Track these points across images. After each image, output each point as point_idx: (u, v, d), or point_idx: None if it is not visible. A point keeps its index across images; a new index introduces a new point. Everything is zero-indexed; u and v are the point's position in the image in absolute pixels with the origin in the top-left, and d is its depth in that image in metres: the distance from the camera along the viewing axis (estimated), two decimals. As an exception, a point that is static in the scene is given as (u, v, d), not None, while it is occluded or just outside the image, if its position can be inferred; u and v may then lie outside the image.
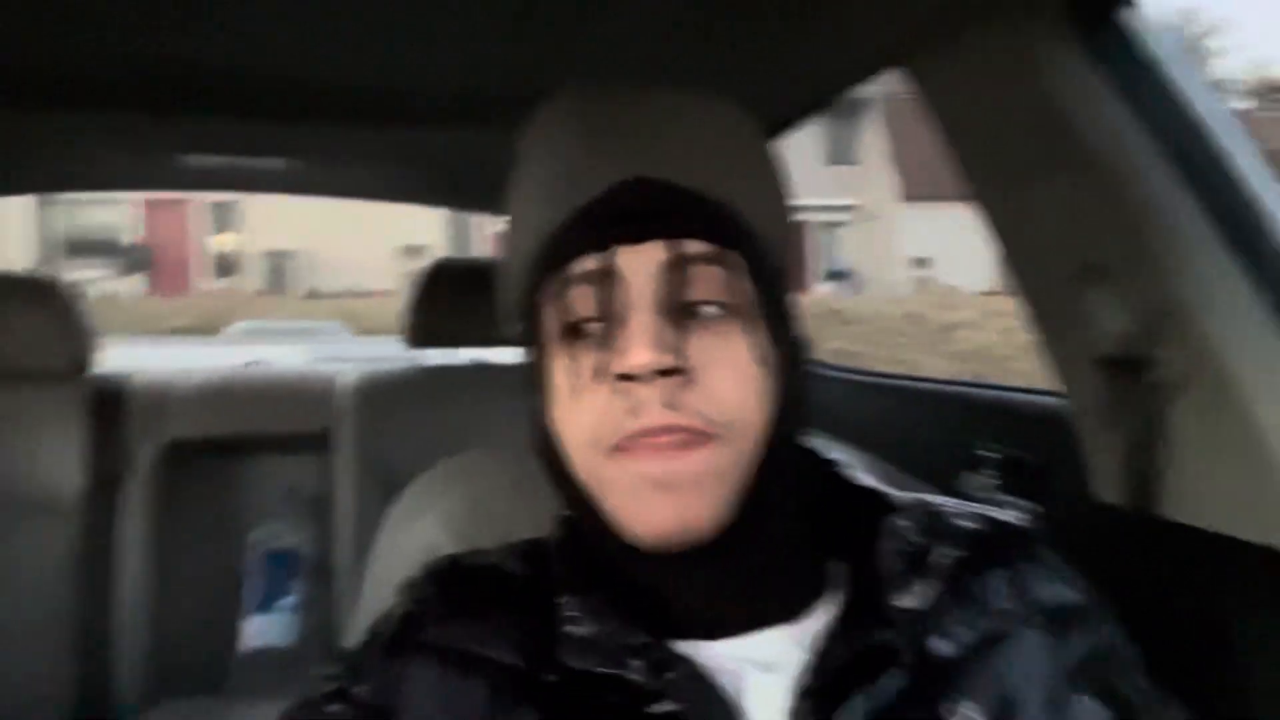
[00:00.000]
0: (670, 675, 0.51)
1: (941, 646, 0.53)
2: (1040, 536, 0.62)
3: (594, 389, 0.54)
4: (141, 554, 1.50)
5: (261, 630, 1.49)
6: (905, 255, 17.03)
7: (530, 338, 0.60)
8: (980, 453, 1.04)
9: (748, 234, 0.59)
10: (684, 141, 0.71)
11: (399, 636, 0.58)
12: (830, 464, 0.63)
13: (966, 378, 1.28)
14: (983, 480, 1.04)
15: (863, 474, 0.62)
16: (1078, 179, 0.74)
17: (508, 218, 0.74)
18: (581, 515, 0.58)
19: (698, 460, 0.52)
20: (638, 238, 0.55)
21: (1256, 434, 0.66)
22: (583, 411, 0.54)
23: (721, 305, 0.55)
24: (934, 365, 8.21)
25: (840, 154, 17.70)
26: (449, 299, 1.65)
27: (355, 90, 1.19)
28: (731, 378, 0.54)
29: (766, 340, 0.56)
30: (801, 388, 0.58)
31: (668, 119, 0.72)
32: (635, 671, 0.51)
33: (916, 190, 17.11)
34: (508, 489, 0.76)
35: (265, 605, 1.50)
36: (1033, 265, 0.82)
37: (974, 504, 0.64)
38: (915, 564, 0.55)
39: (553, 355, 0.57)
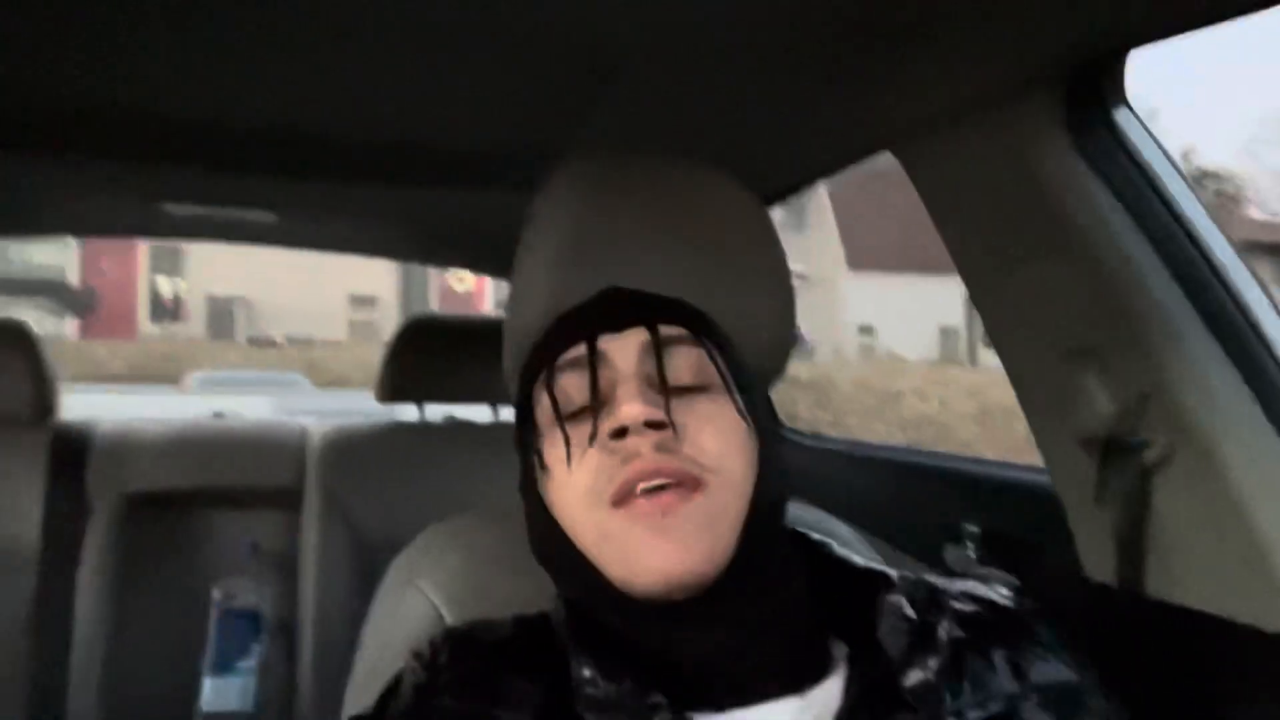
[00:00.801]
0: None
1: None
2: (1035, 615, 0.63)
3: (588, 454, 0.58)
4: (99, 609, 1.44)
5: (220, 693, 1.43)
6: (852, 322, 17.40)
7: (525, 427, 0.65)
8: (963, 526, 1.07)
9: (713, 324, 0.65)
10: (689, 216, 0.74)
11: (414, 707, 0.57)
12: (823, 545, 0.66)
13: (940, 450, 1.30)
14: (964, 554, 1.06)
15: (856, 554, 0.64)
16: (1065, 265, 0.78)
17: (517, 278, 0.75)
18: (583, 584, 0.60)
19: (692, 506, 0.55)
20: (619, 328, 0.62)
21: (1239, 512, 0.69)
22: (580, 476, 0.58)
23: (700, 385, 0.61)
24: (883, 431, 8.33)
25: (790, 222, 18.11)
26: (422, 355, 1.64)
27: (355, 146, 1.20)
28: (715, 432, 0.59)
29: (744, 405, 0.61)
30: (778, 449, 0.63)
31: (673, 191, 0.75)
32: None
33: (861, 259, 17.55)
34: (499, 554, 0.76)
35: (225, 666, 1.45)
36: (1020, 346, 0.85)
37: (966, 583, 0.65)
38: (920, 640, 0.57)
39: (547, 437, 0.62)
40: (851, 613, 0.60)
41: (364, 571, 1.50)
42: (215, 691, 1.43)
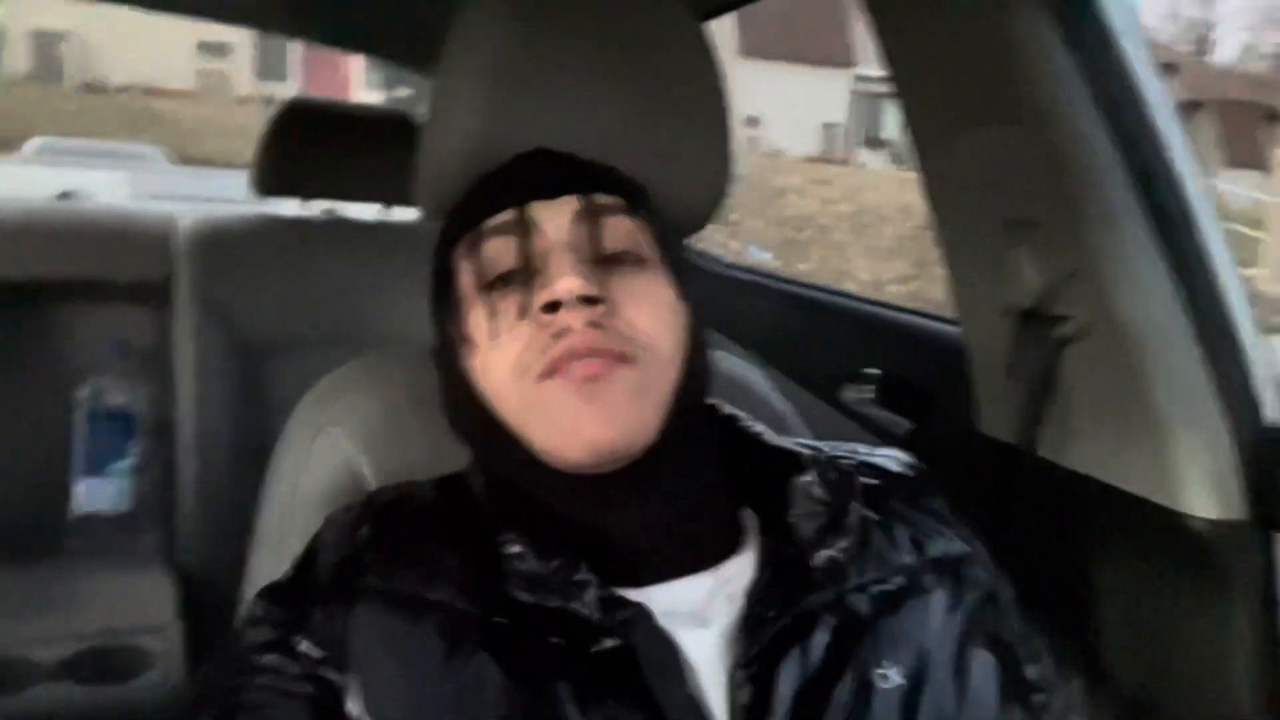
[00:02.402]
0: (623, 615, 0.52)
1: (860, 604, 0.56)
2: (928, 483, 0.67)
3: (517, 326, 0.56)
4: None
5: (92, 494, 1.38)
6: (739, 113, 17.13)
7: (443, 294, 0.62)
8: (865, 370, 1.10)
9: (645, 195, 0.63)
10: (621, 42, 0.68)
11: (337, 582, 0.56)
12: (735, 418, 0.67)
13: (845, 289, 1.32)
14: (863, 394, 1.10)
15: (769, 432, 0.65)
16: (1017, 134, 0.76)
17: (436, 97, 0.69)
18: (506, 457, 0.59)
19: (621, 373, 0.55)
20: (550, 194, 0.59)
21: (1140, 393, 0.73)
22: (507, 347, 0.56)
23: (634, 256, 0.59)
24: (759, 229, 8.45)
25: (684, -1, 17.24)
26: (304, 145, 1.51)
27: None
28: (649, 309, 0.58)
29: (675, 285, 0.60)
30: (703, 330, 0.63)
31: (605, 11, 0.69)
32: (586, 606, 0.52)
33: (753, 47, 17.06)
34: (415, 396, 0.73)
35: (96, 467, 1.39)
36: (957, 210, 0.84)
37: (862, 449, 0.68)
38: (832, 523, 0.58)
39: (470, 307, 0.59)
40: (762, 487, 0.61)
41: (245, 372, 1.44)
42: (89, 492, 1.38)
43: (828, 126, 19.08)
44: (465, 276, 0.60)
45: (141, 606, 1.19)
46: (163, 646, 1.13)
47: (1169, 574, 0.72)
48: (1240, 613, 0.68)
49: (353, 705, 0.52)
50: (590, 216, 0.58)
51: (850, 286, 6.68)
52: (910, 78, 0.84)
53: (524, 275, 0.57)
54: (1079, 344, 0.78)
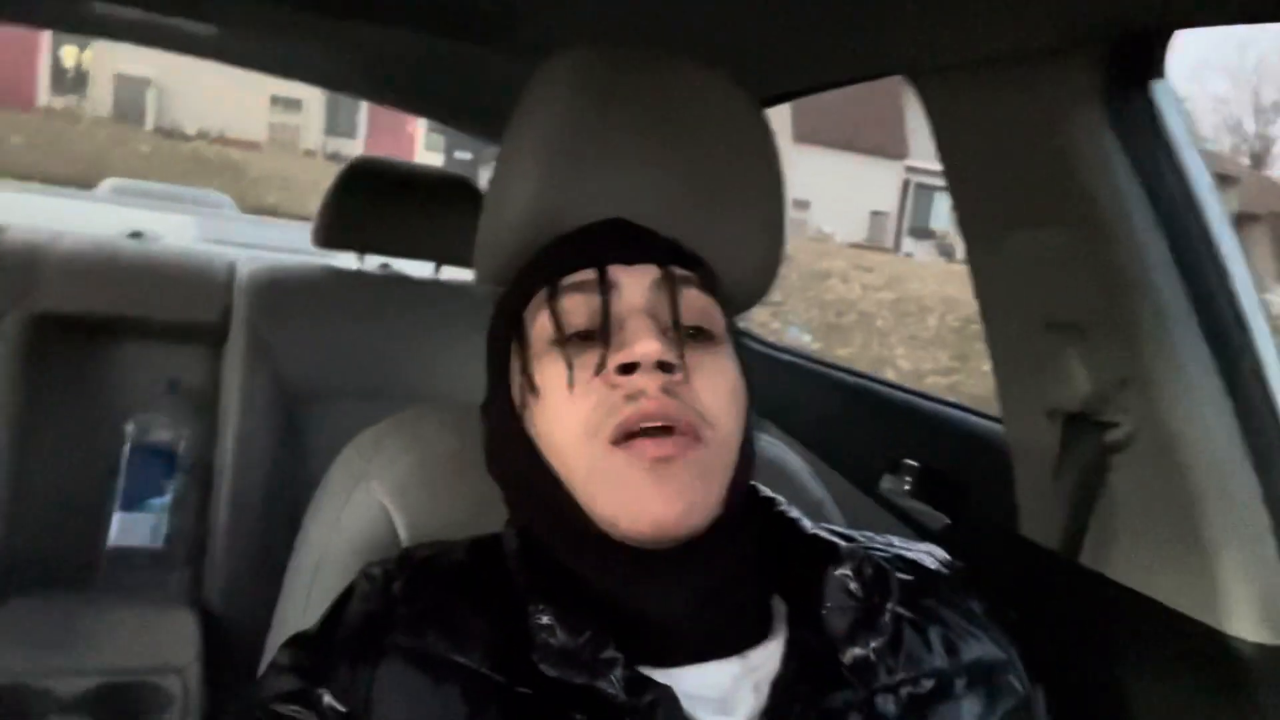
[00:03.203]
0: (648, 698, 0.52)
1: (888, 705, 0.55)
2: (966, 583, 0.65)
3: (591, 384, 0.56)
4: (3, 434, 1.37)
5: (128, 528, 1.39)
6: (788, 195, 17.31)
7: (507, 346, 0.62)
8: (903, 460, 1.08)
9: (715, 274, 0.64)
10: (684, 120, 0.70)
11: (366, 637, 0.55)
12: (773, 501, 0.66)
13: (890, 379, 1.31)
14: (900, 485, 1.08)
15: (806, 519, 0.65)
16: (1069, 234, 0.76)
17: (502, 164, 0.71)
18: (555, 519, 0.58)
19: (692, 456, 0.54)
20: (630, 259, 0.59)
21: (1188, 506, 0.71)
22: (579, 405, 0.56)
23: (706, 331, 0.59)
24: (800, 310, 8.46)
25: (742, 82, 17.62)
26: (365, 201, 1.56)
27: None
28: (720, 388, 0.58)
29: (736, 363, 0.61)
30: (754, 412, 0.63)
31: (669, 92, 0.71)
32: (612, 685, 0.52)
33: (808, 133, 17.33)
34: (454, 453, 0.74)
35: (135, 502, 1.41)
36: (1006, 308, 0.84)
37: (896, 543, 0.67)
38: (865, 620, 0.57)
39: (542, 359, 0.59)
40: (795, 575, 0.60)
41: (287, 418, 1.46)
42: (124, 527, 1.39)
43: (875, 214, 19.19)
44: (539, 330, 0.60)
45: (164, 645, 1.19)
46: (181, 687, 1.13)
47: (1209, 697, 0.69)
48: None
49: None
50: (669, 286, 0.58)
51: (890, 374, 6.63)
52: (964, 172, 0.85)
53: (602, 335, 0.57)
54: (1126, 452, 0.76)
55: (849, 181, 17.84)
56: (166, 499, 1.43)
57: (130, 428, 1.43)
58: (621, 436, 0.54)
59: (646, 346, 0.54)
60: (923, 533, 1.04)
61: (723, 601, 0.58)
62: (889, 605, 0.58)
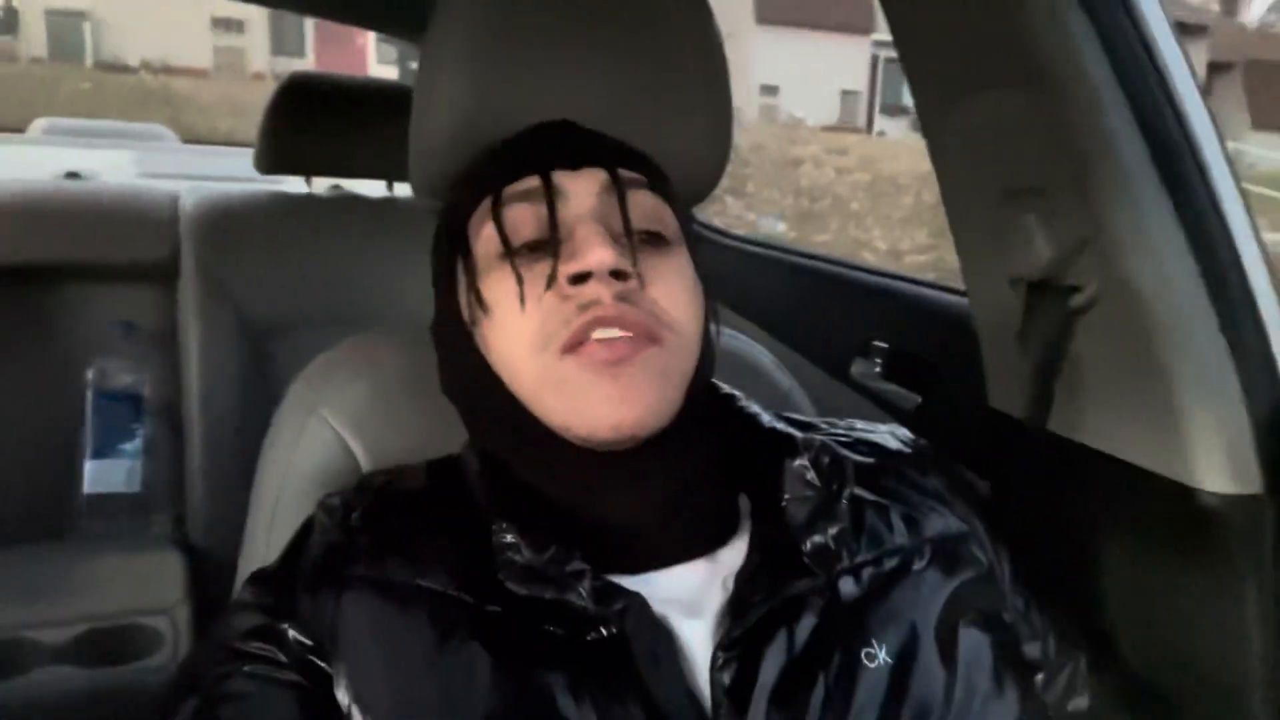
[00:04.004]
0: (617, 605, 0.51)
1: (849, 587, 0.55)
2: (927, 460, 0.66)
3: (543, 299, 0.54)
4: None
5: (102, 475, 1.39)
6: (755, 82, 16.95)
7: (453, 262, 0.60)
8: (872, 342, 1.07)
9: (664, 172, 0.62)
10: (622, 5, 0.66)
11: (327, 569, 0.55)
12: (732, 398, 0.66)
13: (855, 260, 1.29)
14: (871, 369, 1.08)
15: (765, 415, 0.64)
16: (1026, 97, 0.73)
17: (426, 61, 0.67)
18: (512, 431, 0.57)
19: (647, 356, 0.53)
20: (575, 164, 0.57)
21: (1154, 364, 0.70)
22: (531, 320, 0.54)
23: (658, 234, 0.58)
24: (775, 199, 8.37)
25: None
26: (306, 121, 1.49)
27: None
28: (676, 290, 0.56)
29: (691, 263, 0.59)
30: (713, 310, 0.62)
31: None
32: (580, 597, 0.51)
33: (771, 13, 16.82)
34: (407, 378, 0.72)
35: (106, 449, 1.40)
36: (963, 177, 0.82)
37: (860, 426, 0.67)
38: (823, 509, 0.57)
39: (490, 273, 0.57)
40: (757, 470, 0.60)
41: (251, 351, 1.44)
42: (98, 474, 1.39)
43: (846, 94, 18.84)
44: (484, 243, 0.57)
45: (150, 587, 1.20)
46: (170, 627, 1.13)
47: (1181, 550, 0.70)
48: (1254, 588, 0.66)
49: (341, 694, 0.51)
50: (617, 190, 0.56)
51: (868, 256, 6.61)
52: (914, 39, 0.81)
53: (551, 245, 0.55)
54: (1090, 315, 0.75)
55: (817, 62, 17.43)
56: (137, 443, 1.41)
57: (90, 374, 1.41)
58: (573, 345, 0.53)
59: (599, 255, 0.52)
60: (895, 414, 1.04)
61: (688, 504, 0.57)
62: (846, 491, 0.58)
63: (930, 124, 0.82)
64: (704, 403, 0.61)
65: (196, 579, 1.24)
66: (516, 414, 0.56)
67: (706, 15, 0.69)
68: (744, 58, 17.04)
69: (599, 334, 0.52)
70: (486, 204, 0.57)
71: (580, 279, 0.53)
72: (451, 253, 0.60)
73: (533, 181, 0.56)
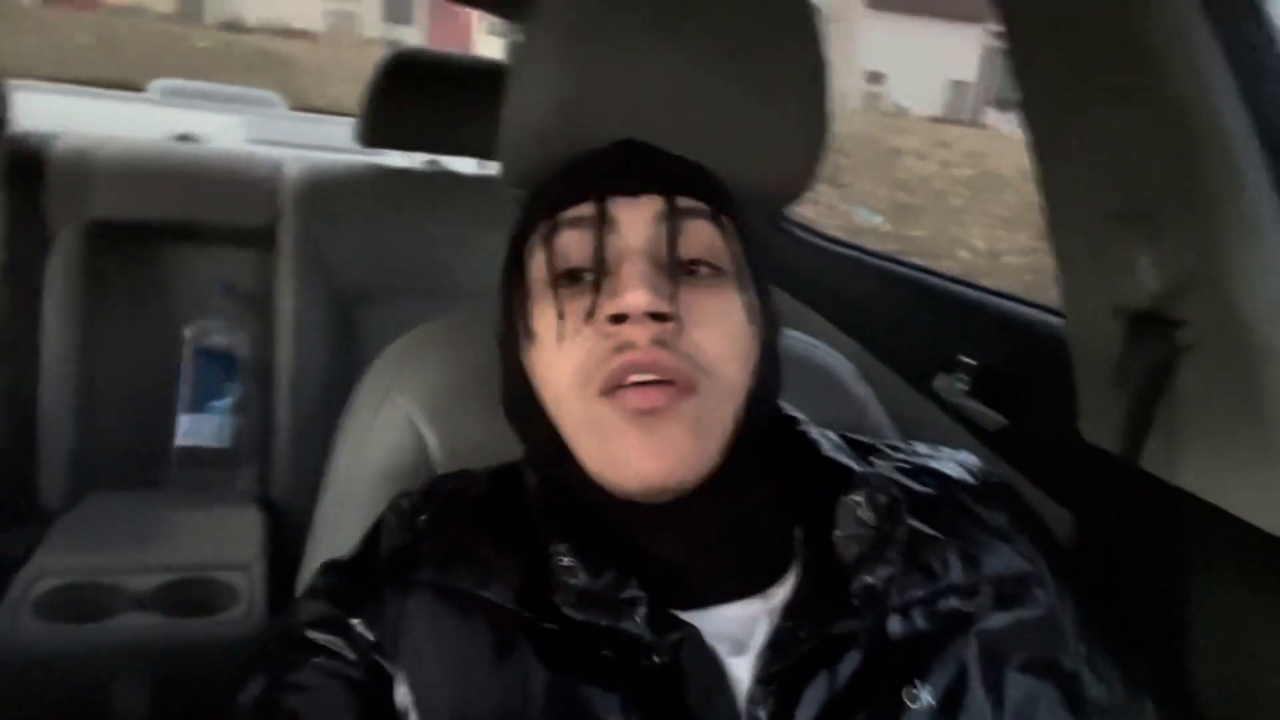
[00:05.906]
0: (673, 636, 0.51)
1: (897, 626, 0.53)
2: (995, 494, 0.63)
3: (582, 332, 0.54)
4: (64, 345, 1.41)
5: (194, 429, 1.45)
6: (861, 68, 16.55)
7: (513, 281, 0.60)
8: (958, 357, 1.04)
9: (732, 199, 0.59)
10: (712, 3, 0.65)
11: (394, 570, 0.55)
12: (794, 421, 0.64)
13: (946, 271, 1.25)
14: (955, 385, 1.04)
15: (826, 441, 0.62)
16: (1144, 116, 0.69)
17: (518, 50, 0.67)
18: (556, 464, 0.57)
19: (681, 407, 0.52)
20: (633, 191, 0.56)
21: (1259, 410, 0.66)
22: (570, 354, 0.54)
23: (712, 266, 0.56)
24: (870, 191, 8.19)
25: (812, -53, 16.69)
26: (409, 98, 1.52)
27: None
28: (720, 332, 0.54)
29: (755, 300, 0.57)
30: (777, 347, 0.60)
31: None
32: (636, 625, 0.51)
33: (882, -1, 16.38)
34: (480, 364, 0.73)
35: (199, 404, 1.46)
36: (1070, 196, 0.78)
37: (926, 452, 0.64)
38: (874, 551, 0.55)
39: (538, 300, 0.57)
40: (814, 501, 0.58)
41: (342, 317, 1.47)
42: (190, 427, 1.45)
43: (955, 84, 18.26)
44: (536, 266, 0.58)
45: (231, 542, 1.24)
46: (247, 583, 1.18)
47: (1268, 605, 0.66)
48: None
49: (400, 696, 0.52)
50: (671, 220, 0.55)
51: (964, 255, 6.41)
52: (1028, 46, 0.77)
53: (594, 279, 0.54)
54: (1196, 353, 0.71)
55: (926, 50, 16.91)
56: (229, 400, 1.47)
57: (188, 332, 1.47)
58: (609, 387, 0.52)
59: (635, 298, 0.51)
60: (978, 434, 1.00)
61: (737, 547, 0.56)
62: (899, 531, 0.56)
63: (1039, 137, 0.78)
64: (759, 440, 0.59)
65: (275, 537, 1.28)
66: (558, 449, 0.56)
67: (809, 11, 0.67)
68: (851, 43, 16.68)
69: (634, 378, 0.52)
70: (544, 228, 0.57)
71: (618, 319, 0.52)
72: (512, 271, 0.60)
73: (587, 209, 0.56)
